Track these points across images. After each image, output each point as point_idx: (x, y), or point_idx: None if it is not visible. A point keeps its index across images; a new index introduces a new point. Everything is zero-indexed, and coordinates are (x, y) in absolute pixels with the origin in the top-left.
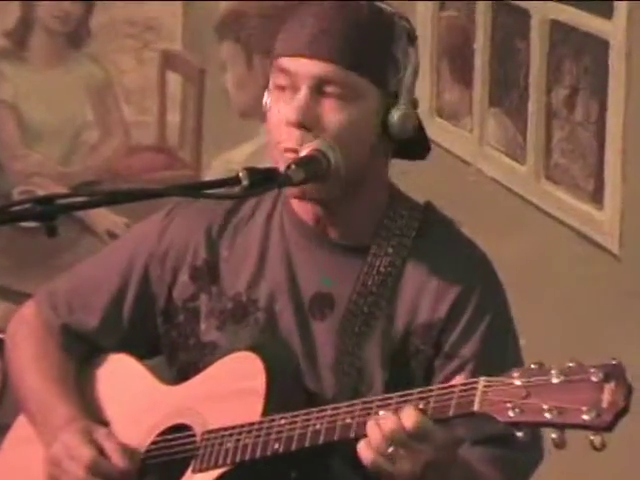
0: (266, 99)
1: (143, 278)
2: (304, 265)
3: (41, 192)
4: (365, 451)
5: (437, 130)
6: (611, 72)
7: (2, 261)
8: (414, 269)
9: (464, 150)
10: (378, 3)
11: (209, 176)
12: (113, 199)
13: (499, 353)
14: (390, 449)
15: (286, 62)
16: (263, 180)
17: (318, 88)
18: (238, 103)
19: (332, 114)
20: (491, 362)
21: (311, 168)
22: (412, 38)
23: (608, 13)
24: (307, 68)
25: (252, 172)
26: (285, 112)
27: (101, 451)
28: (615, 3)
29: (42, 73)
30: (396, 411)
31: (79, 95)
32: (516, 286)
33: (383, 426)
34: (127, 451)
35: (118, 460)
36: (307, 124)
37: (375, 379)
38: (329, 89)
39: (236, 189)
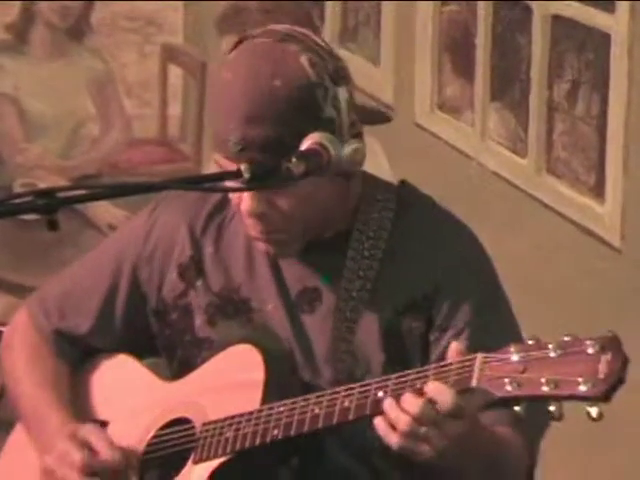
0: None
1: (132, 280)
2: (288, 262)
3: (42, 185)
4: (392, 437)
5: (438, 124)
6: (613, 66)
7: (3, 254)
8: (397, 249)
9: (465, 144)
10: (293, 56)
11: (210, 169)
12: (114, 192)
13: (492, 319)
14: (423, 429)
15: (222, 162)
16: (264, 173)
17: None
18: None
19: (283, 201)
20: (485, 328)
21: (312, 161)
22: (337, 76)
23: (610, 7)
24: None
25: (253, 165)
26: (238, 201)
27: (90, 448)
28: None
29: (43, 66)
30: (421, 391)
31: (80, 88)
32: (517, 279)
33: (412, 409)
34: (113, 442)
35: (106, 453)
36: (262, 213)
37: (371, 362)
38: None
39: (238, 182)
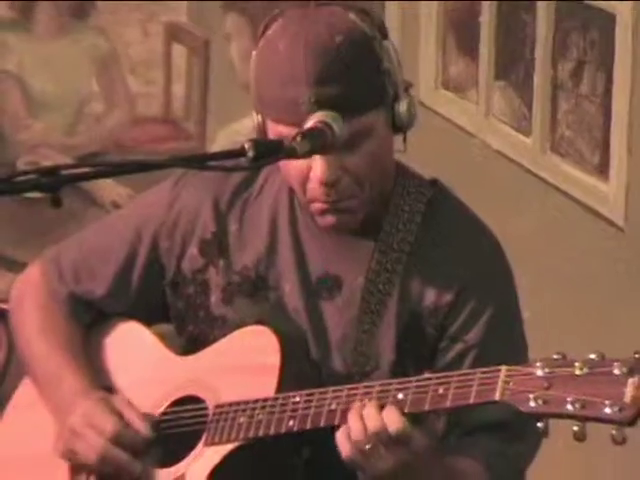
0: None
1: (152, 248)
2: (313, 247)
3: (45, 163)
4: (344, 442)
5: (443, 102)
6: (617, 45)
7: (6, 232)
8: (424, 248)
9: (470, 122)
10: (342, 14)
11: (214, 148)
12: (118, 170)
13: (503, 341)
14: (368, 446)
15: (286, 130)
16: (268, 151)
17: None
18: (243, 76)
19: (355, 161)
20: (494, 350)
21: (316, 140)
22: (383, 31)
23: None
24: None
25: (257, 143)
26: (304, 169)
27: (121, 419)
28: None
29: (47, 44)
30: (381, 409)
31: (84, 66)
32: (521, 259)
33: (367, 423)
34: (147, 419)
35: (140, 427)
36: (337, 179)
37: (382, 359)
38: (343, 142)
39: (241, 160)
